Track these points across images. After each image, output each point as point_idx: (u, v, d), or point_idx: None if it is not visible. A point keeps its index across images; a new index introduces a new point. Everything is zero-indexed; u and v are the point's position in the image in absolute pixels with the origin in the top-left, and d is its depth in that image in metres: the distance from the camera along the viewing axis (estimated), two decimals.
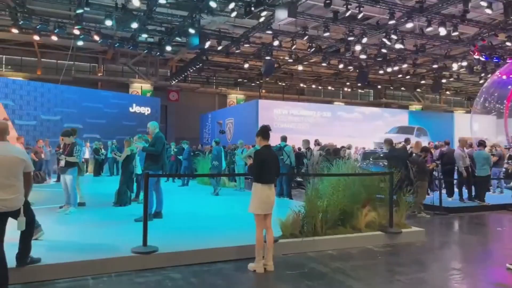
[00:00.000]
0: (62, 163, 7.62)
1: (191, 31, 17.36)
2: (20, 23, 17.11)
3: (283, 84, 33.97)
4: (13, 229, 3.88)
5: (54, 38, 19.40)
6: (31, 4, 18.01)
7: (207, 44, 20.73)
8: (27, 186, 3.93)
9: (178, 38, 19.26)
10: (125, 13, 16.19)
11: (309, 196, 5.70)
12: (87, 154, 18.68)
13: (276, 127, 20.99)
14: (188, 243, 5.34)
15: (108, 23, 16.60)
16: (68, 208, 7.81)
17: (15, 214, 3.75)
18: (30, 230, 4.03)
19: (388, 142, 9.12)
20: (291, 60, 23.93)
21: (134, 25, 16.99)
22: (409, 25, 17.23)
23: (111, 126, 21.50)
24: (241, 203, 9.53)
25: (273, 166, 4.82)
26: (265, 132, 4.87)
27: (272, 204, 4.74)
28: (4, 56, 28.55)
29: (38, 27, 17.66)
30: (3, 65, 28.58)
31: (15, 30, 18.32)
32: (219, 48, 21.38)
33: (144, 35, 19.21)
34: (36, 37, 20.07)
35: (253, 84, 33.30)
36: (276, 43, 19.88)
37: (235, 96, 34.80)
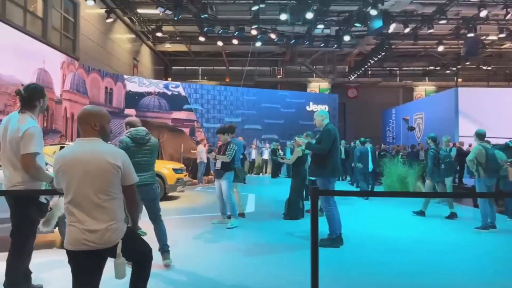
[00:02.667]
0: (218, 165, 6.50)
1: (373, 12, 15.03)
2: (204, 30, 18.02)
3: (488, 68, 27.65)
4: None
5: (235, 41, 20.01)
6: (217, 14, 18.96)
7: (392, 28, 17.97)
8: (132, 207, 2.57)
9: (357, 25, 17.09)
10: (299, 3, 15.06)
11: None
12: (265, 155, 18.60)
13: (486, 120, 16.66)
14: None
15: (283, 17, 15.88)
16: (225, 220, 6.66)
17: (111, 252, 2.40)
18: (143, 275, 2.64)
19: None
20: (502, 35, 18.76)
21: (309, 15, 15.72)
22: None
23: (289, 126, 20.94)
24: (460, 229, 6.85)
25: None
26: None
27: None
28: (200, 68, 31.75)
29: (220, 32, 18.34)
30: (199, 76, 31.81)
31: (201, 38, 19.48)
32: (406, 30, 18.26)
33: (320, 26, 17.77)
34: (220, 43, 21.07)
35: (447, 71, 28.24)
36: (483, 13, 15.62)
37: (423, 88, 30.27)
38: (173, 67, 31.54)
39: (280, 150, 17.84)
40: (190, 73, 31.29)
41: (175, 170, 9.66)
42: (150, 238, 4.43)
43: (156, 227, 4.34)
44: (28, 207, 2.93)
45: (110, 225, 2.37)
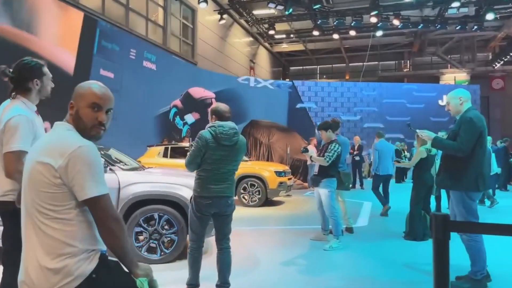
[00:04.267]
0: (316, 169, 5.19)
1: None
2: (318, 22, 16.86)
3: None
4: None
5: (352, 32, 18.37)
6: (334, 7, 17.69)
7: None
8: (109, 237, 1.56)
9: None
10: None
11: None
12: None
13: None
14: None
15: None
16: (325, 237, 5.36)
17: None
18: None
19: None
20: None
21: None
22: None
23: (417, 124, 18.28)
24: None
25: None
26: None
27: None
28: (318, 67, 30.72)
29: (335, 23, 16.96)
30: (318, 75, 30.77)
31: (315, 32, 18.35)
32: None
33: (456, 5, 15.00)
34: (335, 36, 19.63)
35: None
36: None
37: None
38: (291, 68, 31.12)
39: (406, 151, 15.61)
40: (308, 73, 30.50)
41: (278, 173, 8.72)
42: (209, 264, 3.54)
43: (220, 254, 3.30)
44: (16, 223, 2.21)
45: (45, 264, 1.47)
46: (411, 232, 5.53)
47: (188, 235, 3.44)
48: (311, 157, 5.21)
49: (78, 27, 9.77)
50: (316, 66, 30.69)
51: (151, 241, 4.20)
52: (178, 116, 14.09)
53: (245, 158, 10.02)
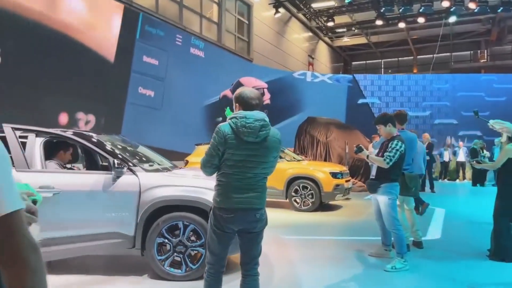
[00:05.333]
0: (373, 171, 4.27)
1: None
2: (382, 10, 15.57)
3: None
4: None
5: (421, 20, 16.80)
6: None
7: None
8: (24, 274, 0.82)
9: None
10: None
11: None
12: (461, 156, 14.84)
13: None
14: None
15: None
16: (387, 253, 4.43)
17: None
18: None
19: None
20: None
21: None
22: None
23: (498, 119, 16.27)
24: None
25: None
26: None
27: None
28: (382, 61, 29.02)
29: (400, 10, 15.53)
30: (382, 69, 29.06)
31: (379, 22, 17.05)
32: None
33: None
34: (402, 24, 18.08)
35: None
36: None
37: None
38: (353, 63, 29.72)
39: (484, 150, 13.87)
40: (372, 67, 28.93)
41: (334, 174, 7.84)
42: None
43: (244, 281, 2.59)
44: None
45: None
46: (497, 251, 4.41)
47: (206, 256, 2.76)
48: (367, 157, 4.30)
49: (120, 10, 9.40)
50: (380, 60, 28.99)
51: (175, 254, 3.62)
52: (228, 107, 13.68)
53: (298, 157, 9.25)
